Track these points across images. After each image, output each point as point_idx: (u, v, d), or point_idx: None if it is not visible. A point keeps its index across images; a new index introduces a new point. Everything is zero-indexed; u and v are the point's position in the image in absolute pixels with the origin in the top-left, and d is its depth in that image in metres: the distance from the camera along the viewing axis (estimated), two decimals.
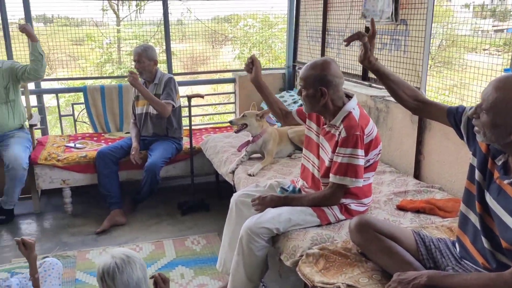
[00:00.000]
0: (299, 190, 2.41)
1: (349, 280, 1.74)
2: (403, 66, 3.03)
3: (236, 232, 2.39)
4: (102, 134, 4.24)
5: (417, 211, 2.34)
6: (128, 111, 4.19)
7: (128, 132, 4.04)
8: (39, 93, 4.29)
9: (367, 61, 1.92)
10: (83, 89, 4.28)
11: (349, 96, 2.23)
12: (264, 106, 4.40)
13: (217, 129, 4.53)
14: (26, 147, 3.56)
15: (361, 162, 2.12)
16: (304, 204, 2.23)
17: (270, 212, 2.20)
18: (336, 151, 2.14)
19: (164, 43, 4.57)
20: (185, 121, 4.15)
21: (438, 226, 2.14)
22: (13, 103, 3.65)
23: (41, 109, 4.31)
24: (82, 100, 4.32)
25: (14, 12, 4.11)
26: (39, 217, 3.74)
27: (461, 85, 2.88)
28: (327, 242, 2.06)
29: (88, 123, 4.41)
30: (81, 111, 4.50)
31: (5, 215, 3.58)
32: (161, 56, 4.59)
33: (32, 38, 3.55)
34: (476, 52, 3.12)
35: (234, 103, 4.88)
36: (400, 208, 2.38)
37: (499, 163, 1.53)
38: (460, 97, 2.86)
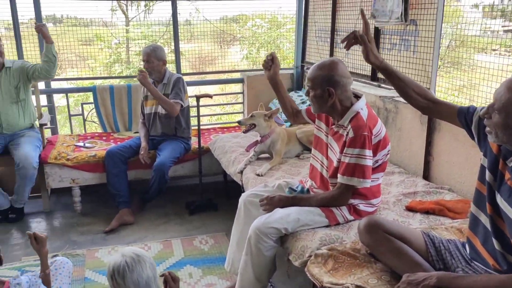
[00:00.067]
0: (308, 191, 2.41)
1: (358, 281, 1.74)
2: (413, 66, 3.02)
3: (244, 232, 2.39)
4: (111, 134, 4.26)
5: (427, 212, 2.33)
6: (137, 110, 4.21)
7: (137, 132, 4.06)
8: (49, 92, 4.33)
9: (373, 56, 1.89)
10: (92, 89, 4.31)
11: (358, 96, 2.23)
12: (272, 106, 4.41)
13: (225, 129, 4.54)
14: (36, 146, 3.59)
15: (368, 162, 2.11)
16: (313, 204, 2.23)
17: (279, 212, 2.20)
18: (344, 152, 2.13)
19: (172, 43, 4.59)
20: (193, 121, 4.16)
21: (447, 227, 2.13)
22: (24, 102, 3.68)
23: (51, 108, 4.35)
24: (91, 99, 4.35)
25: (24, 12, 4.15)
26: (49, 215, 3.77)
27: (470, 85, 2.86)
28: (335, 243, 2.05)
29: (97, 122, 4.44)
30: (90, 110, 4.53)
31: (15, 214, 3.62)
32: (170, 56, 4.61)
33: (47, 40, 3.56)
34: (485, 53, 3.10)
35: (242, 103, 4.89)
36: (409, 209, 2.37)
37: (511, 164, 1.52)
38: (469, 97, 2.84)
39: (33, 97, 3.91)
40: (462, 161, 2.62)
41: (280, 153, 3.19)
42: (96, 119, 4.45)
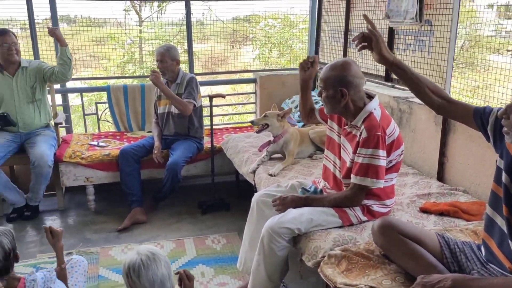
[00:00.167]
0: (321, 191, 2.40)
1: (372, 282, 1.73)
2: (427, 67, 3.00)
3: (256, 232, 2.40)
4: (125, 133, 4.30)
5: (441, 213, 2.31)
6: (150, 110, 4.24)
7: (150, 131, 4.09)
8: (64, 92, 4.38)
9: (385, 51, 1.85)
10: (106, 89, 4.35)
11: (371, 97, 2.22)
12: (285, 106, 4.40)
13: (237, 129, 4.55)
14: (51, 145, 3.64)
15: (382, 162, 2.10)
16: (325, 204, 2.22)
17: (292, 212, 2.20)
18: (357, 152, 2.13)
19: (185, 43, 4.61)
20: (205, 121, 4.18)
21: (462, 229, 2.11)
22: (40, 102, 3.72)
23: (66, 107, 4.40)
24: (105, 99, 4.39)
25: (39, 12, 4.20)
26: (63, 213, 3.81)
27: (485, 86, 2.83)
28: (349, 244, 2.05)
29: (111, 121, 4.48)
30: (104, 110, 4.57)
31: (30, 211, 3.67)
32: (182, 56, 4.63)
33: (61, 43, 3.59)
34: (500, 53, 3.06)
35: (255, 103, 4.90)
36: (424, 210, 2.36)
37: None
38: (484, 98, 2.81)
39: (49, 97, 3.95)
40: (477, 163, 2.60)
41: (292, 153, 3.19)
42: (110, 118, 4.50)
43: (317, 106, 2.60)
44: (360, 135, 2.13)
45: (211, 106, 3.73)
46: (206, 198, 3.86)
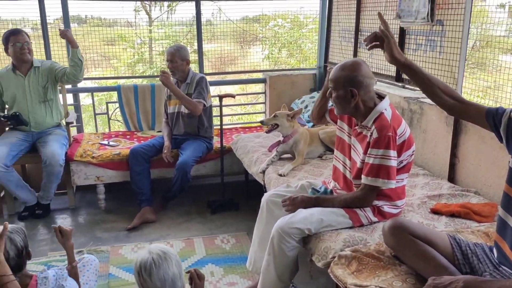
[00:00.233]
0: (331, 192, 2.40)
1: (382, 283, 1.73)
2: (438, 67, 2.98)
3: (266, 232, 2.40)
4: (135, 133, 4.33)
5: (452, 215, 2.30)
6: (160, 110, 4.26)
7: (160, 131, 4.11)
8: (75, 91, 4.42)
9: (397, 51, 1.83)
10: (117, 88, 4.38)
11: (381, 97, 2.21)
12: (294, 106, 4.40)
13: (247, 129, 4.55)
14: (63, 144, 3.67)
15: (393, 163, 2.09)
16: (336, 205, 2.22)
17: (302, 212, 2.19)
18: (368, 152, 2.12)
19: (195, 43, 4.63)
20: (215, 121, 4.19)
21: (474, 230, 2.10)
22: (51, 102, 3.76)
23: (77, 107, 4.44)
24: (115, 98, 4.42)
25: (51, 12, 4.23)
26: (74, 212, 3.85)
27: (496, 86, 2.81)
28: (359, 244, 2.04)
29: (121, 121, 4.51)
30: (115, 109, 4.60)
31: (42, 210, 3.70)
32: (192, 56, 4.64)
33: (72, 44, 3.61)
34: (511, 53, 3.04)
35: (264, 103, 4.90)
36: (435, 211, 2.34)
37: None
38: (495, 99, 2.78)
39: (60, 96, 3.99)
40: (489, 164, 2.57)
41: (302, 153, 3.18)
42: (120, 118, 4.52)
43: None
44: (370, 136, 2.12)
45: (220, 106, 3.74)
46: (216, 198, 3.87)
